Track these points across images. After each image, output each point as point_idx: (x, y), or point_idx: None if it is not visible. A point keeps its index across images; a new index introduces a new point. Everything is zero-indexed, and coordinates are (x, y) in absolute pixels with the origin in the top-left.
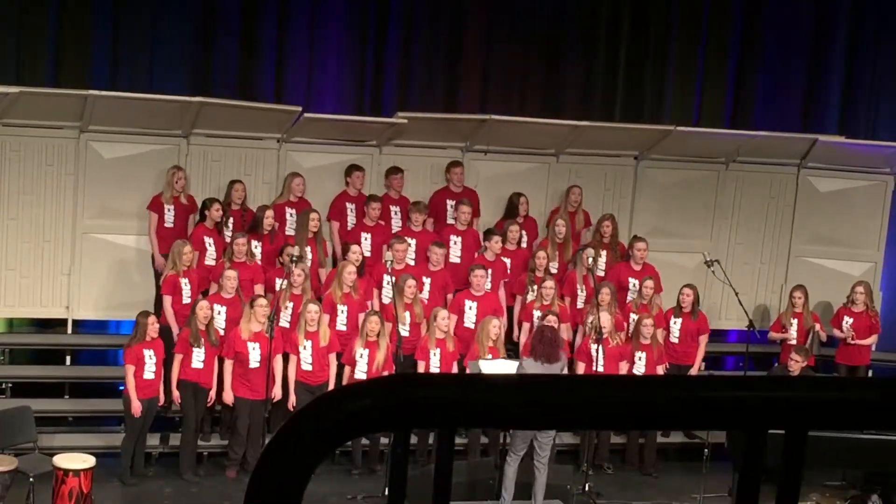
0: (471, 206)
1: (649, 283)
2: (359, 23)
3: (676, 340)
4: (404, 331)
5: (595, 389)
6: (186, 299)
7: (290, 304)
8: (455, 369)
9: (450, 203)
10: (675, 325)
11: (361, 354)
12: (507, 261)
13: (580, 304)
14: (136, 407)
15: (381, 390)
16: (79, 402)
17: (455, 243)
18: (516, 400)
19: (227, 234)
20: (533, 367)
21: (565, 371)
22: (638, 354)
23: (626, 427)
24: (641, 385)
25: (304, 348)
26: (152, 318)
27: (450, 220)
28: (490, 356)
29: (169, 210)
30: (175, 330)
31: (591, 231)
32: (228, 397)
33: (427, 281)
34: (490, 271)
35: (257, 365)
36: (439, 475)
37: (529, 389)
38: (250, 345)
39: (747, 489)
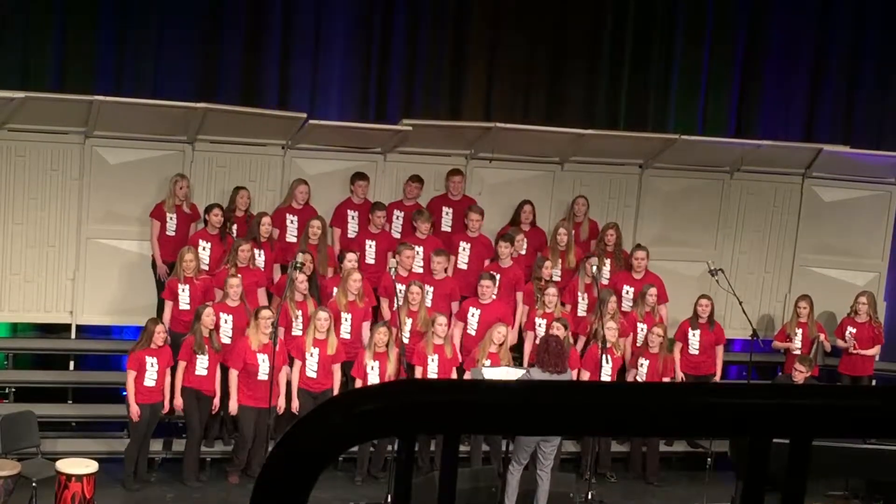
0: (481, 212)
1: (652, 291)
2: (363, 30)
3: (697, 352)
4: (405, 338)
5: (599, 396)
6: (184, 306)
7: (300, 312)
8: (454, 376)
9: (445, 210)
10: (695, 336)
11: (372, 367)
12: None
13: (581, 313)
14: (135, 412)
15: (385, 396)
16: (82, 407)
17: (464, 250)
18: (521, 406)
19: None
20: (541, 377)
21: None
22: (641, 361)
23: (629, 434)
24: (645, 392)
25: (311, 355)
26: (160, 327)
27: (444, 227)
28: (489, 362)
29: (171, 218)
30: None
31: (597, 240)
32: (234, 408)
33: (430, 289)
34: (499, 278)
35: (266, 377)
36: (443, 481)
37: (534, 395)
38: (260, 356)
39: (751, 497)
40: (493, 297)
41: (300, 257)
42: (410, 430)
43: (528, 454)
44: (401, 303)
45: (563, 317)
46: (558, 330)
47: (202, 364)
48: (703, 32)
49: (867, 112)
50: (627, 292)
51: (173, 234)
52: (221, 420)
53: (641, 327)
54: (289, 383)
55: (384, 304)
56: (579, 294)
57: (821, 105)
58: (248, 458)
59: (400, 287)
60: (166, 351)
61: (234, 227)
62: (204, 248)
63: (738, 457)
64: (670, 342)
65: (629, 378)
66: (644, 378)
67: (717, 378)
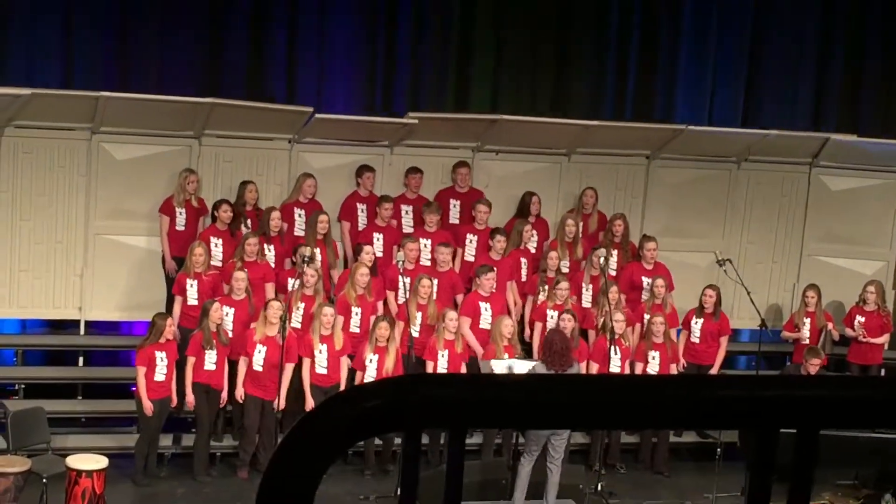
0: (489, 205)
1: (660, 282)
2: (369, 23)
3: (697, 340)
4: (415, 332)
5: (605, 389)
6: (192, 301)
7: (302, 305)
8: (463, 370)
9: (453, 202)
10: (697, 325)
11: (371, 360)
12: (524, 260)
13: (585, 304)
14: (148, 408)
15: (391, 390)
16: (91, 403)
17: (471, 242)
18: (527, 400)
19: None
20: (546, 373)
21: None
22: (651, 354)
23: (635, 427)
24: (652, 385)
25: (320, 352)
26: (170, 320)
27: (452, 220)
28: (507, 355)
29: (180, 213)
30: (175, 331)
31: (605, 231)
32: (239, 393)
33: (434, 282)
34: (496, 270)
35: (260, 368)
36: (450, 475)
37: (540, 389)
38: (258, 347)
39: (759, 488)
40: (494, 289)
41: (307, 251)
42: (416, 426)
43: (540, 446)
44: (407, 296)
45: (574, 308)
46: (568, 321)
47: (211, 359)
48: (709, 22)
49: (874, 100)
50: (648, 285)
51: (182, 228)
52: (228, 417)
53: (647, 318)
54: (300, 379)
55: (391, 297)
56: (583, 285)
57: (828, 94)
58: (255, 452)
59: (404, 280)
60: (173, 345)
61: (249, 221)
62: (216, 245)
63: (747, 447)
64: None
65: (639, 370)
66: (657, 369)
67: (715, 369)
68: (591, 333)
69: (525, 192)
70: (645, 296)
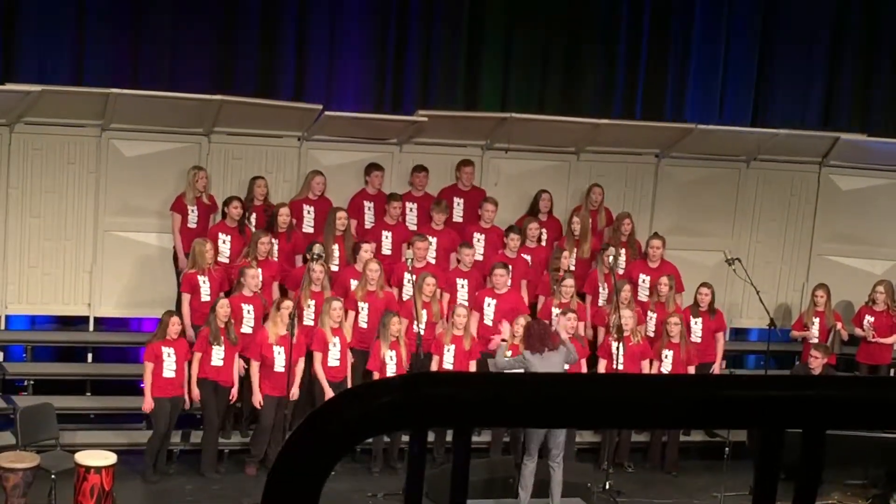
0: (496, 203)
1: (664, 280)
2: (378, 21)
3: (699, 340)
4: (420, 329)
5: (611, 389)
6: (205, 297)
7: (312, 302)
8: (472, 368)
9: (456, 201)
10: (697, 325)
11: (391, 357)
12: (528, 258)
13: (601, 303)
14: (148, 404)
15: (396, 389)
16: (100, 400)
17: (478, 241)
18: (532, 399)
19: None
20: (534, 358)
21: (570, 356)
22: (665, 353)
23: (640, 426)
24: (657, 384)
25: (334, 345)
26: (175, 318)
27: (455, 218)
28: (510, 353)
29: (192, 211)
30: (189, 329)
31: (612, 229)
32: (258, 399)
33: (464, 282)
34: (511, 268)
35: (282, 369)
36: (456, 474)
37: (545, 388)
38: (276, 349)
39: (764, 487)
40: (508, 285)
41: (317, 248)
42: (422, 424)
43: (538, 444)
44: (411, 293)
45: (579, 307)
46: (570, 320)
47: (218, 355)
48: (719, 20)
49: (884, 100)
50: (644, 281)
51: (194, 226)
52: (238, 411)
53: (651, 316)
54: (311, 374)
55: (394, 294)
56: (600, 285)
57: (838, 93)
58: (266, 450)
59: (409, 277)
60: (183, 343)
61: (254, 216)
62: (224, 242)
63: (755, 447)
64: None
65: (652, 369)
66: (669, 369)
67: (717, 365)
68: (602, 331)
69: (538, 190)
70: (642, 293)
